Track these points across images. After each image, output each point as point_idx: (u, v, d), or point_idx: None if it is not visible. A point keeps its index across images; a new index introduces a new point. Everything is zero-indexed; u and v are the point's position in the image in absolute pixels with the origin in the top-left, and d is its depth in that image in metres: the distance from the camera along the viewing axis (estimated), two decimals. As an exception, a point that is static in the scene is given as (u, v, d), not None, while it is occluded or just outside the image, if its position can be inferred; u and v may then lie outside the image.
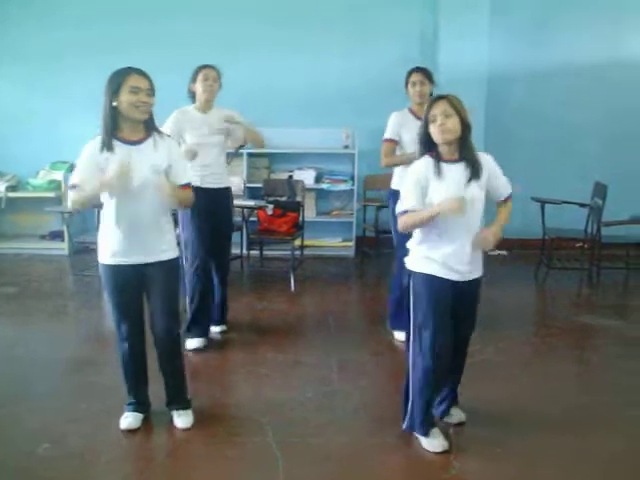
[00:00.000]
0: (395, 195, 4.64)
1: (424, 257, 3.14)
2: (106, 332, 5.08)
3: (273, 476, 2.97)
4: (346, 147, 7.30)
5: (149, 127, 3.21)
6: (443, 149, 3.11)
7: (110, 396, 3.68)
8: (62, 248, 7.26)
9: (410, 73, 4.63)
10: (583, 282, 6.33)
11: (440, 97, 3.10)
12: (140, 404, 3.46)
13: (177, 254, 3.35)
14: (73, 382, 4.03)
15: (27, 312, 5.36)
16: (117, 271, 3.23)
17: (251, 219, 6.44)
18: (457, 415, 3.45)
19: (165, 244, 3.27)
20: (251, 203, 6.26)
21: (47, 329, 5.03)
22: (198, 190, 4.49)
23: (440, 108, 3.03)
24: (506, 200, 3.29)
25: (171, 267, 3.30)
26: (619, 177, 6.68)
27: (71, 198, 3.14)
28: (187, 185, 3.32)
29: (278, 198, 6.51)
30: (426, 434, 3.24)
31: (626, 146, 7.31)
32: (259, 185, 6.91)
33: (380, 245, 6.77)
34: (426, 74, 4.61)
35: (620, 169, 7.05)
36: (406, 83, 4.64)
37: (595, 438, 3.33)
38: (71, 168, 7.46)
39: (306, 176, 7.14)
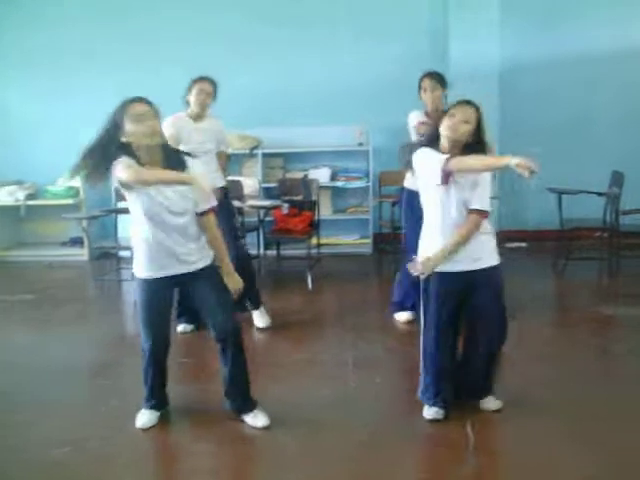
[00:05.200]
0: (408, 194, 4.67)
1: None
2: (125, 336, 5.15)
3: (290, 476, 2.97)
4: (360, 144, 7.29)
5: (168, 159, 3.13)
6: (447, 146, 3.17)
7: (128, 399, 3.71)
8: (82, 254, 7.33)
9: (422, 79, 4.69)
10: (603, 272, 6.27)
11: (468, 102, 3.20)
12: (157, 402, 3.49)
13: (212, 260, 3.33)
14: (92, 386, 4.08)
15: (47, 318, 5.42)
16: (151, 285, 3.24)
17: (267, 219, 6.45)
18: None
19: (199, 257, 3.26)
20: (266, 203, 6.28)
21: (67, 334, 5.08)
22: None
23: (462, 112, 3.15)
24: (472, 213, 3.21)
25: (211, 269, 3.31)
26: (636, 164, 6.60)
27: (137, 172, 2.98)
28: (210, 210, 3.29)
29: (293, 197, 6.51)
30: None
31: (643, 133, 7.23)
32: (274, 185, 6.93)
33: (397, 241, 6.74)
34: (437, 79, 4.65)
35: (637, 156, 6.96)
36: (419, 87, 4.70)
37: (615, 429, 3.30)
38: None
39: (321, 174, 7.14)
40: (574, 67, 7.17)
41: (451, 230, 3.20)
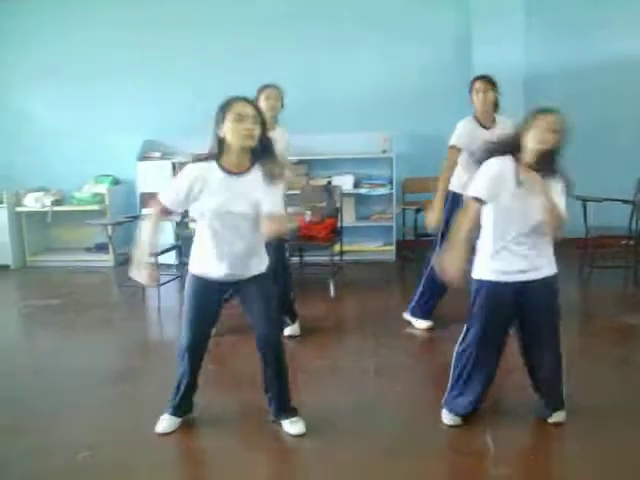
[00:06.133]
0: (453, 197, 4.68)
1: None
2: (148, 342, 5.19)
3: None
4: (384, 151, 7.29)
5: (257, 157, 3.16)
6: (531, 158, 3.13)
7: (150, 405, 3.73)
8: (107, 260, 7.41)
9: (474, 81, 4.74)
10: (628, 280, 6.20)
11: (551, 110, 3.14)
12: (180, 408, 3.49)
13: (265, 269, 3.31)
14: (114, 392, 4.10)
15: (71, 323, 5.48)
16: (201, 283, 3.29)
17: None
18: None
19: (254, 265, 3.27)
20: (290, 210, 6.28)
21: (90, 340, 5.13)
22: None
23: (556, 122, 3.09)
24: None
25: (262, 278, 3.30)
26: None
27: (147, 218, 3.24)
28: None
29: (316, 204, 6.51)
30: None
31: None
32: (297, 192, 6.93)
33: (420, 248, 6.71)
34: (489, 82, 4.70)
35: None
36: (470, 90, 4.74)
37: (634, 440, 3.27)
38: (114, 181, 7.65)
39: (344, 181, 7.16)
40: (599, 74, 7.11)
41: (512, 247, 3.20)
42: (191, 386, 3.48)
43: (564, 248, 7.09)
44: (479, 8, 6.86)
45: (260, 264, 3.31)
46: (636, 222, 6.07)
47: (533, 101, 6.88)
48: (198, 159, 3.19)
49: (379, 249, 7.47)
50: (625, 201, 6.10)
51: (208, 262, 3.24)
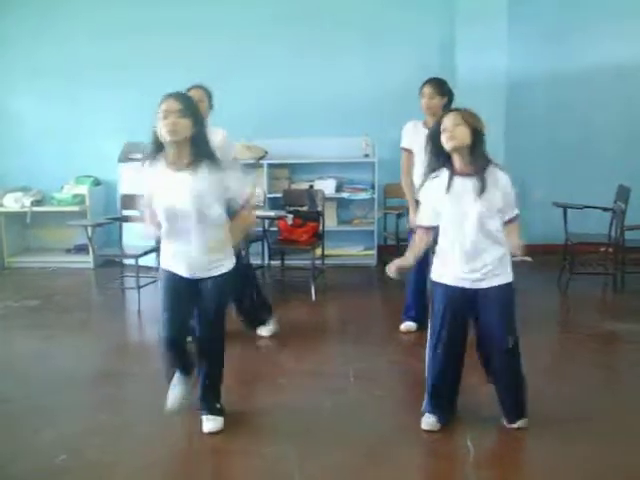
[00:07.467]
0: None
1: None
2: (128, 344, 5.16)
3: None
4: (366, 156, 7.29)
5: (197, 153, 3.18)
6: (455, 160, 3.21)
7: (130, 408, 3.72)
8: (87, 261, 7.34)
9: (422, 85, 4.71)
10: (607, 287, 6.24)
11: (451, 110, 3.30)
12: (183, 370, 3.46)
13: (227, 269, 3.32)
14: (94, 394, 4.08)
15: (50, 325, 5.42)
16: (170, 276, 3.33)
17: (272, 229, 6.46)
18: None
19: (213, 263, 3.29)
20: (271, 213, 6.28)
21: (70, 341, 5.09)
22: None
23: (450, 119, 3.19)
24: (510, 221, 3.29)
25: (220, 281, 3.32)
26: (642, 180, 6.59)
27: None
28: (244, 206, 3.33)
29: (298, 208, 6.51)
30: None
31: (649, 148, 7.22)
32: (279, 195, 6.93)
33: (401, 253, 6.71)
34: (436, 87, 4.66)
35: (643, 171, 6.94)
36: (419, 94, 4.72)
37: (618, 446, 3.28)
38: (95, 182, 7.59)
39: (326, 185, 7.15)
40: (581, 80, 7.16)
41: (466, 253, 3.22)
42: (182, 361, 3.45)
43: (544, 255, 7.18)
44: (463, 13, 6.86)
45: (222, 264, 3.31)
46: (615, 229, 6.13)
47: (516, 107, 6.96)
48: (145, 158, 3.29)
49: (360, 253, 7.46)
50: (605, 209, 6.15)
51: (170, 259, 3.30)
